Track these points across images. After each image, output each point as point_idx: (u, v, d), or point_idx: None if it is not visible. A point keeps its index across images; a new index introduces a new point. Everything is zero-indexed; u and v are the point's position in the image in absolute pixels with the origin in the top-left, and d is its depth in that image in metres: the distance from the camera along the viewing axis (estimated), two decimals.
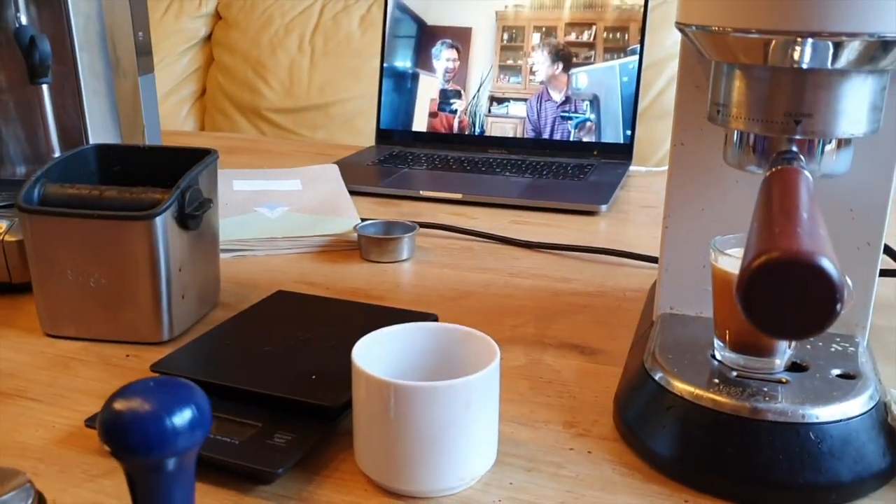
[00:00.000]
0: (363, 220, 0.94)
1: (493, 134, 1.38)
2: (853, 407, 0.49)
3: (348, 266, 0.87)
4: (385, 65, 1.43)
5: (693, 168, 0.58)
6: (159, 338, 0.68)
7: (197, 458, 0.39)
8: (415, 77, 1.42)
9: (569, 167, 1.25)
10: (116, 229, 0.65)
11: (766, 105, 0.47)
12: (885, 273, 0.79)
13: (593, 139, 1.33)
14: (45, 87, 0.87)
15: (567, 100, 1.35)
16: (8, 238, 0.75)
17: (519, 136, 1.37)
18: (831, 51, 0.44)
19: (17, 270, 0.75)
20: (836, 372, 0.52)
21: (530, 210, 1.08)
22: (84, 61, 0.90)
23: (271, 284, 0.81)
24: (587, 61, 1.34)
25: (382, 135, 1.44)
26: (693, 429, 0.50)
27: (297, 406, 0.53)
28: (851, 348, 0.55)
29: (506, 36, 1.38)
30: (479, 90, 1.39)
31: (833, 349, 0.55)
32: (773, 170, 0.44)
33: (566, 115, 1.35)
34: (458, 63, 1.39)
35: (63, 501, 0.48)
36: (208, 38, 2.58)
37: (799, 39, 0.44)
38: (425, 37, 1.41)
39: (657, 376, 0.53)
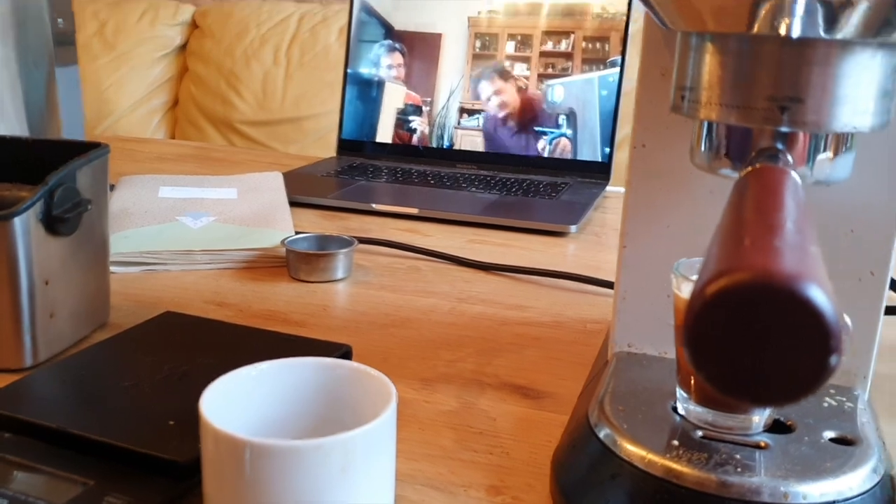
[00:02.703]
0: (298, 233, 0.83)
1: (462, 147, 1.28)
2: (852, 482, 0.37)
3: (272, 285, 0.76)
4: (349, 71, 1.33)
5: (657, 175, 0.48)
6: (19, 364, 0.56)
7: None
8: (380, 85, 1.32)
9: (541, 185, 1.15)
10: None
11: (745, 87, 0.36)
12: (891, 311, 0.68)
13: (569, 156, 1.23)
14: None
15: (542, 114, 1.24)
16: None
17: (489, 150, 1.27)
18: (829, 13, 0.33)
19: None
20: (830, 435, 0.41)
21: (493, 229, 0.97)
22: None
23: (176, 304, 0.70)
24: (564, 73, 1.24)
25: (345, 145, 1.34)
26: None
27: (142, 460, 0.41)
28: (849, 404, 0.44)
29: (478, 43, 1.28)
30: (448, 100, 1.29)
31: (826, 404, 0.44)
32: (751, 168, 0.33)
33: (540, 130, 1.25)
34: (403, 70, 1.29)
35: None
36: (184, 47, 2.49)
37: None
38: (393, 42, 1.31)
39: (602, 433, 0.42)
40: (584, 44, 1.23)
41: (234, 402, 0.39)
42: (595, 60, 1.23)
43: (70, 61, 0.94)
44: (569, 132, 1.23)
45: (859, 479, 0.38)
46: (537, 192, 1.11)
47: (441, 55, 1.29)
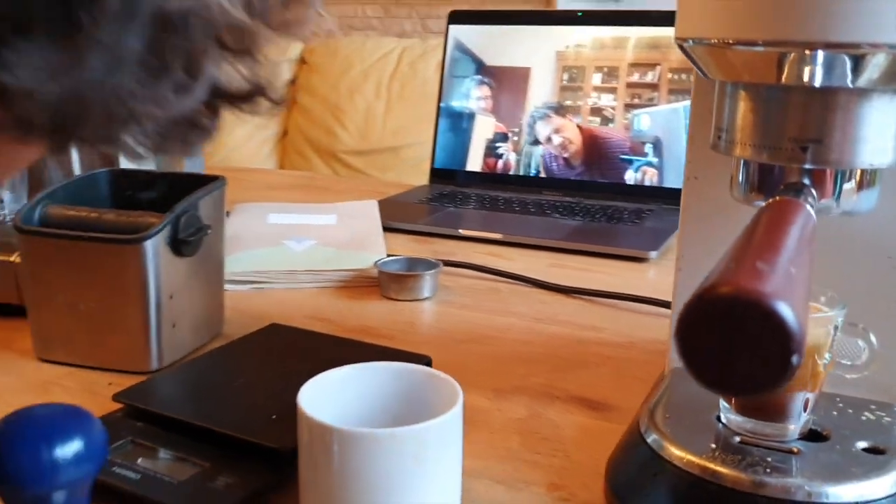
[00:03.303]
0: (389, 256, 0.90)
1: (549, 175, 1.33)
2: (877, 488, 0.41)
3: (366, 303, 0.83)
4: (442, 104, 1.40)
5: (708, 204, 0.52)
6: (147, 367, 0.65)
7: (92, 491, 0.36)
8: (471, 117, 1.39)
9: (625, 211, 1.19)
10: (105, 252, 0.63)
11: (772, 129, 0.40)
12: None
13: (654, 183, 1.26)
14: None
15: (615, 142, 1.29)
16: (16, 259, 0.74)
17: (574, 178, 1.31)
18: (848, 66, 0.37)
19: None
20: (863, 445, 0.44)
21: (574, 254, 1.02)
22: None
23: (281, 318, 0.77)
24: (650, 103, 1.27)
25: (436, 174, 1.41)
26: (682, 501, 0.43)
27: (249, 447, 0.48)
28: (887, 418, 0.47)
29: (566, 76, 1.33)
30: (534, 130, 1.34)
31: (864, 418, 0.47)
32: (771, 200, 0.37)
33: (626, 157, 1.29)
34: (492, 102, 1.36)
35: None
36: (293, 81, 2.64)
37: (808, 53, 0.38)
38: (483, 77, 1.38)
39: (650, 438, 0.46)
40: (669, 75, 1.27)
41: (327, 398, 0.45)
42: (681, 91, 1.26)
43: None
44: (654, 160, 1.27)
45: (885, 484, 0.41)
46: (621, 219, 1.15)
47: (529, 87, 1.35)
